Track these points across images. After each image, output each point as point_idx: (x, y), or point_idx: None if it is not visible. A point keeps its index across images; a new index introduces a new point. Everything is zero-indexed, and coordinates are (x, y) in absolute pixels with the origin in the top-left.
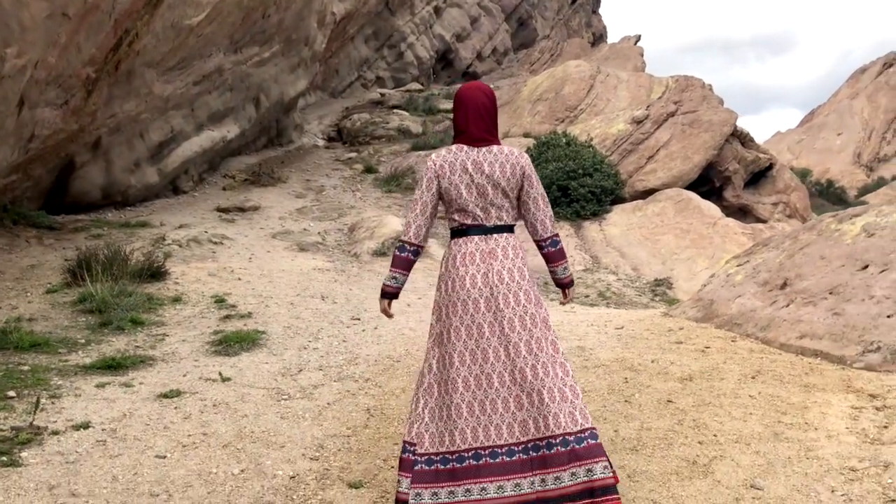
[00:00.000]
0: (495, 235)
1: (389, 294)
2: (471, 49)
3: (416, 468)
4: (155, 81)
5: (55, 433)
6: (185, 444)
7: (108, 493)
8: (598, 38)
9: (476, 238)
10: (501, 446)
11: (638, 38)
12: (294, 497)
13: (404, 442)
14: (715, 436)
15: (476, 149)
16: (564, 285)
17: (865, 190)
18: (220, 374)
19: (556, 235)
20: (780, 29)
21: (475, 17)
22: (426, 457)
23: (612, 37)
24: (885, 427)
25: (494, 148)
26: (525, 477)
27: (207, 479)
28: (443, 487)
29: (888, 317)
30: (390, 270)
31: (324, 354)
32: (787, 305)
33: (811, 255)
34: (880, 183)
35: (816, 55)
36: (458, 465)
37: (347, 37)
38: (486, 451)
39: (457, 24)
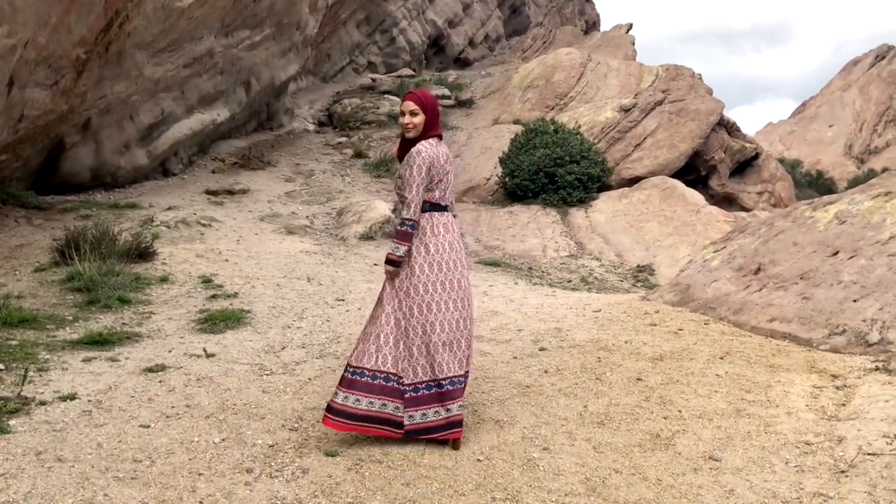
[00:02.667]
0: (446, 213)
1: (400, 264)
2: (463, 35)
3: (407, 396)
4: (145, 63)
5: (42, 403)
6: (168, 415)
7: (93, 458)
8: (592, 26)
9: (437, 213)
10: (458, 376)
11: (629, 26)
12: (272, 464)
13: (366, 369)
14: (679, 411)
15: (442, 144)
16: None
17: (855, 182)
18: (204, 350)
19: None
20: (777, 19)
21: (468, 4)
22: (413, 385)
23: (607, 25)
24: (843, 405)
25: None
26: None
27: (189, 447)
28: (430, 408)
29: (854, 301)
30: (400, 243)
31: (307, 333)
32: (760, 290)
33: (785, 242)
34: (870, 175)
35: (812, 47)
36: (440, 391)
37: (339, 21)
38: (448, 380)
39: (449, 9)
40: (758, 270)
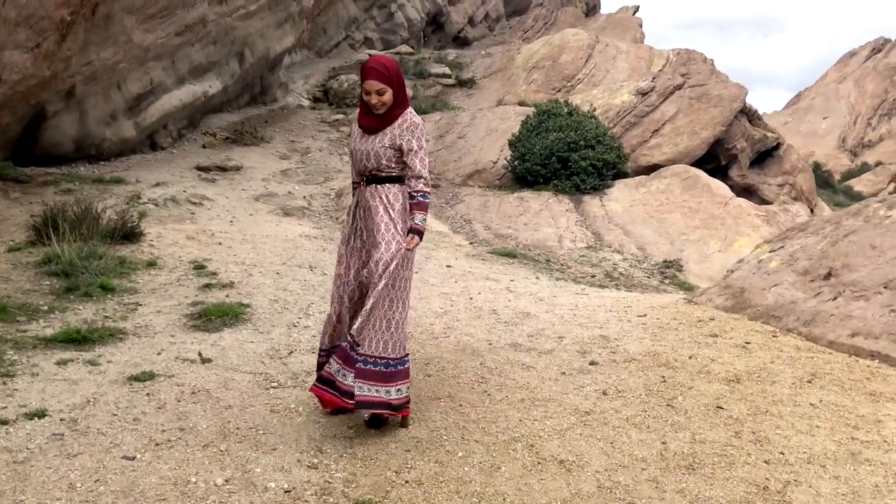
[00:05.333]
0: None
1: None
2: (462, 13)
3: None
4: (135, 29)
5: (3, 423)
6: (158, 441)
7: None
8: (592, 8)
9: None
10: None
11: (636, 8)
12: None
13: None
14: (782, 454)
15: None
16: None
17: (849, 175)
18: (199, 354)
19: None
20: (773, 10)
21: None
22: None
23: (605, 8)
24: None
25: None
26: None
27: (185, 491)
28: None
29: None
30: (425, 213)
31: (316, 334)
32: (834, 299)
33: (859, 244)
34: (864, 168)
35: (807, 39)
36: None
37: None
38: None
39: None
40: (828, 275)
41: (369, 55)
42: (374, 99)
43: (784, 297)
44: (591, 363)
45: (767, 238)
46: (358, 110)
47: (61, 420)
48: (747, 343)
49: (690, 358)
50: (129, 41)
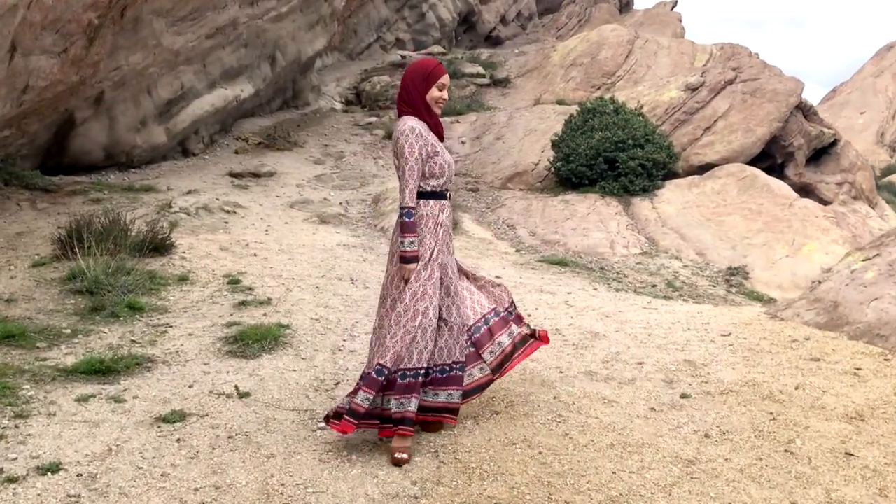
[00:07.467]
0: None
1: None
2: (494, 12)
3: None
4: (164, 32)
5: (12, 480)
6: None
7: None
8: (625, 5)
9: None
10: None
11: (675, 3)
12: None
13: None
14: None
15: None
16: (401, 258)
17: (889, 170)
18: (236, 387)
19: (403, 209)
20: (807, 4)
21: None
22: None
23: (638, 5)
24: None
25: None
26: None
27: None
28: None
29: None
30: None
31: (365, 360)
32: None
33: None
34: None
35: (841, 32)
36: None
37: None
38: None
39: None
40: None
41: (401, 56)
42: (445, 94)
43: (889, 314)
44: (683, 396)
45: (838, 240)
46: (420, 117)
47: (78, 476)
48: (858, 369)
49: (797, 389)
50: (159, 45)
